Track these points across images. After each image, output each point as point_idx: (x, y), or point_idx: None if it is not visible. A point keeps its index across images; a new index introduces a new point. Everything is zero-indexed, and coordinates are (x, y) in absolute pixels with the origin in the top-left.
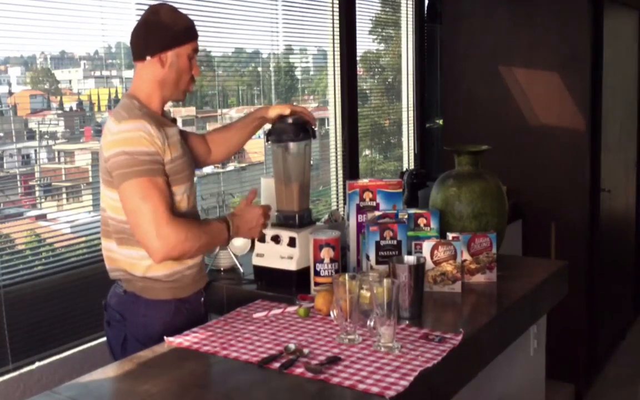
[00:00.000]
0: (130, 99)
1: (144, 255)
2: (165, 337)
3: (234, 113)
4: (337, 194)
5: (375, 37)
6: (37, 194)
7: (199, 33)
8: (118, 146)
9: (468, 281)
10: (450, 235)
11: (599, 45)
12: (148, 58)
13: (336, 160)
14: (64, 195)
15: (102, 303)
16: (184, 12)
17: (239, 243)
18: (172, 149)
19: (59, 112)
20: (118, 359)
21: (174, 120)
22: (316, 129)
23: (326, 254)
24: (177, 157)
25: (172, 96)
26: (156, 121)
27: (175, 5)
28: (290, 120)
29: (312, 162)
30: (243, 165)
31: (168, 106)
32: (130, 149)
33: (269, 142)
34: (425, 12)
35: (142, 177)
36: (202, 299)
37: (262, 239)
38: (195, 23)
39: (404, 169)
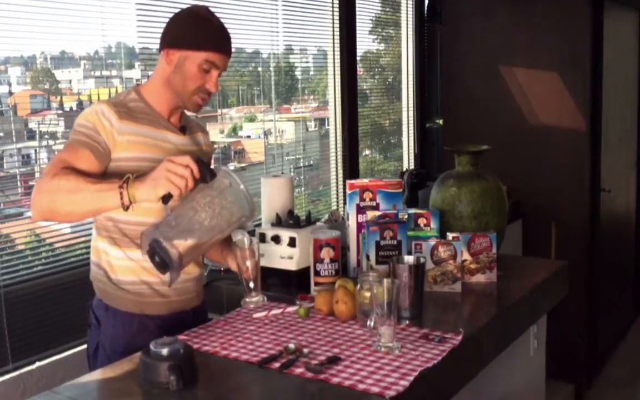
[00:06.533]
0: (129, 89)
1: (118, 255)
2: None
3: (234, 113)
4: (337, 194)
5: (375, 37)
6: None
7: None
8: None
9: (468, 281)
10: (450, 235)
11: (599, 45)
12: (161, 51)
13: (336, 160)
14: None
15: (87, 304)
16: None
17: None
18: (132, 147)
19: (59, 112)
20: (90, 365)
21: (183, 129)
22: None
23: (326, 254)
24: (138, 158)
25: (178, 102)
26: (142, 118)
27: (176, 5)
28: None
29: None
30: (243, 165)
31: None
32: (75, 124)
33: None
34: (425, 12)
35: (67, 144)
36: (191, 318)
37: (262, 239)
38: None
39: (404, 169)
